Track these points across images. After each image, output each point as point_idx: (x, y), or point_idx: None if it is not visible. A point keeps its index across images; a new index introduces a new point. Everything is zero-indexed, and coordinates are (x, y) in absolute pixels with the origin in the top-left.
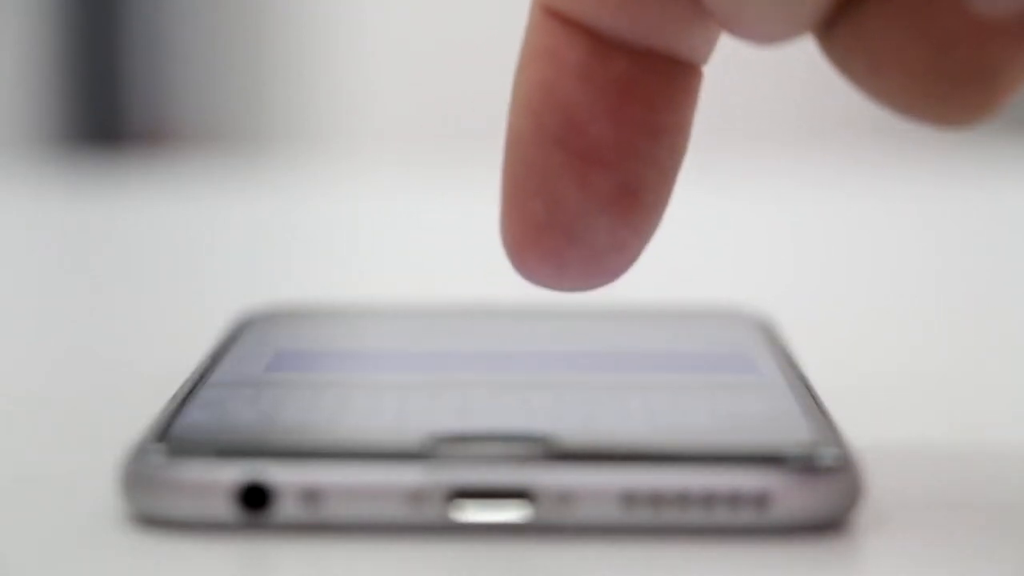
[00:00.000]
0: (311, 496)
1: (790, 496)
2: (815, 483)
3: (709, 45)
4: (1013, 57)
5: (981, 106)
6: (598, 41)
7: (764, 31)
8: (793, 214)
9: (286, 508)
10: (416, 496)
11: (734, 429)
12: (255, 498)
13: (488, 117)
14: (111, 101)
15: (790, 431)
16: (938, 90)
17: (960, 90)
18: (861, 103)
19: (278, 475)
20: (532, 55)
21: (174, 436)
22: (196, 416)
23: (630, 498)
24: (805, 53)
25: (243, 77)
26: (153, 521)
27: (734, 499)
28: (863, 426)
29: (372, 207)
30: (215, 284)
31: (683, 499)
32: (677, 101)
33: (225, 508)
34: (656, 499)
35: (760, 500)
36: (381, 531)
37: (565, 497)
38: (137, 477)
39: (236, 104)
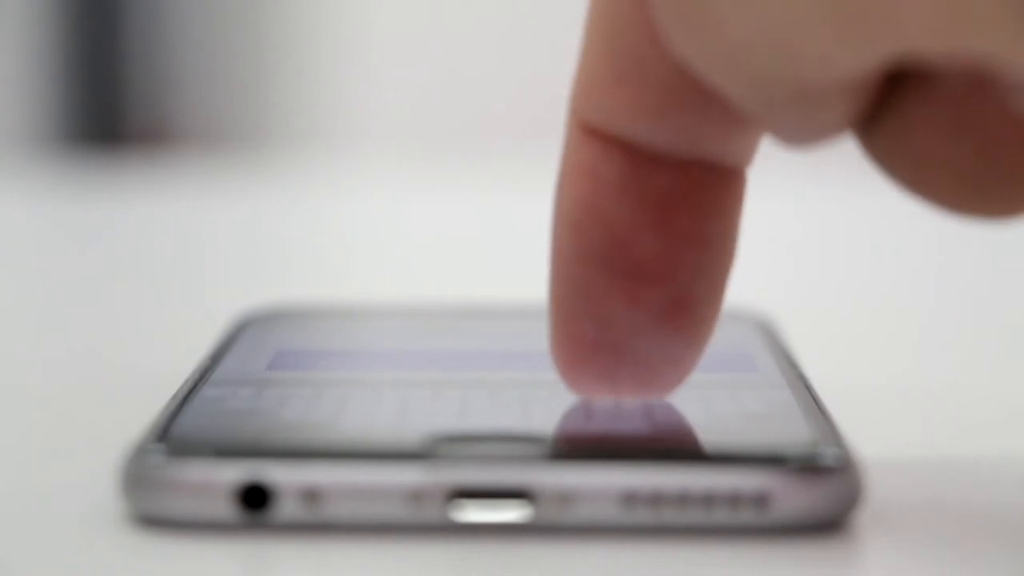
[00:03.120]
0: (311, 496)
1: (790, 496)
2: (815, 483)
3: (751, 148)
4: None
5: None
6: (637, 155)
7: (800, 134)
8: (793, 214)
9: (286, 508)
10: (416, 496)
11: (734, 429)
12: (255, 498)
13: (488, 117)
14: (111, 101)
15: (790, 431)
16: (983, 190)
17: (1006, 190)
18: None
19: (278, 475)
20: (571, 172)
21: (174, 436)
22: (196, 416)
23: (630, 498)
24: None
25: (243, 77)
26: (153, 521)
27: (734, 499)
28: (863, 426)
29: (372, 207)
30: (215, 284)
31: (683, 499)
32: (723, 209)
33: (225, 508)
34: (656, 499)
35: (760, 500)
36: (381, 531)
37: (565, 497)
38: (137, 477)
39: (236, 104)
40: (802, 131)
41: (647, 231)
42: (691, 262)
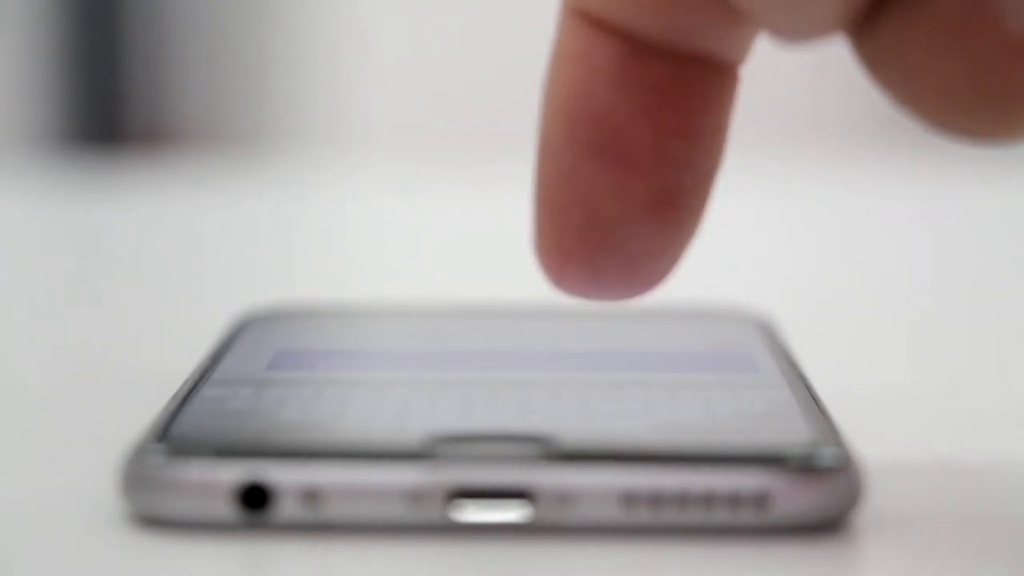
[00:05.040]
0: (311, 496)
1: (790, 496)
2: (815, 483)
3: (745, 46)
4: None
5: (1018, 124)
6: (632, 44)
7: (791, 28)
8: (793, 214)
9: (286, 508)
10: (416, 496)
11: (734, 429)
12: (255, 498)
13: (488, 117)
14: (111, 101)
15: (790, 431)
16: (973, 106)
17: (997, 107)
18: (862, 102)
19: (278, 475)
20: (563, 59)
21: (174, 436)
22: (196, 416)
23: (630, 498)
24: (806, 52)
25: (243, 77)
26: (153, 521)
27: (734, 499)
28: (863, 427)
29: (372, 207)
30: (215, 284)
31: (683, 499)
32: (715, 103)
33: (225, 508)
34: (656, 499)
35: (760, 500)
36: (381, 531)
37: (565, 497)
38: (137, 477)
39: (236, 104)
40: (793, 26)
41: (638, 120)
42: (680, 154)
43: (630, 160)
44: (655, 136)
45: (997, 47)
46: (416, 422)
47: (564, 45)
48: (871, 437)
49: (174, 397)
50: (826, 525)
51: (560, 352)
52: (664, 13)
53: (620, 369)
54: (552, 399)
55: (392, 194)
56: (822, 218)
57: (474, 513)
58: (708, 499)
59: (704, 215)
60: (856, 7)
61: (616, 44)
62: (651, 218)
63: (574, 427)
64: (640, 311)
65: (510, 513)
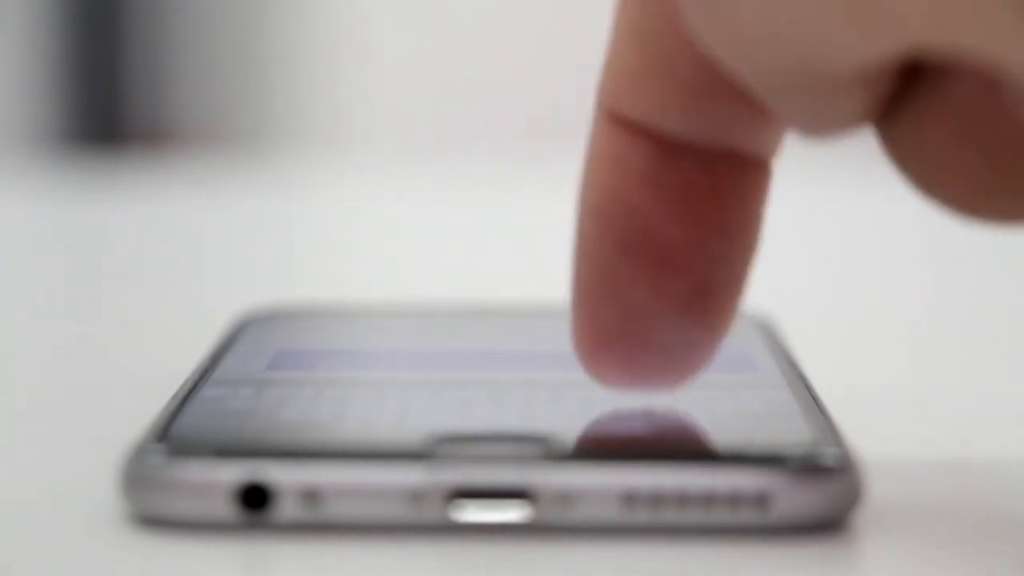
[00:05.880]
0: (311, 496)
1: (790, 496)
2: (815, 483)
3: (776, 141)
4: None
5: None
6: (663, 144)
7: (815, 125)
8: (793, 214)
9: (286, 508)
10: (416, 496)
11: (734, 429)
12: (255, 498)
13: (487, 117)
14: (111, 101)
15: (790, 431)
16: (992, 195)
17: (1015, 197)
18: None
19: (278, 475)
20: (597, 161)
21: (174, 436)
22: (196, 416)
23: (630, 498)
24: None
25: (243, 77)
26: (153, 521)
27: (734, 499)
28: (863, 426)
29: (372, 207)
30: (215, 284)
31: (683, 499)
32: (748, 199)
33: (225, 508)
34: (656, 499)
35: (760, 500)
36: (381, 531)
37: (565, 497)
38: (137, 477)
39: (236, 104)
40: (818, 122)
41: (671, 220)
42: (714, 252)
43: (664, 260)
44: (688, 234)
45: (1013, 138)
46: (416, 422)
47: (597, 147)
48: (871, 437)
49: (174, 397)
50: (826, 525)
51: (560, 352)
52: (694, 114)
53: None
54: (552, 399)
55: (392, 194)
56: (822, 218)
57: (474, 513)
58: (708, 499)
59: (739, 306)
60: (878, 103)
61: (647, 145)
62: (685, 314)
63: (574, 427)
64: None
65: (510, 513)
